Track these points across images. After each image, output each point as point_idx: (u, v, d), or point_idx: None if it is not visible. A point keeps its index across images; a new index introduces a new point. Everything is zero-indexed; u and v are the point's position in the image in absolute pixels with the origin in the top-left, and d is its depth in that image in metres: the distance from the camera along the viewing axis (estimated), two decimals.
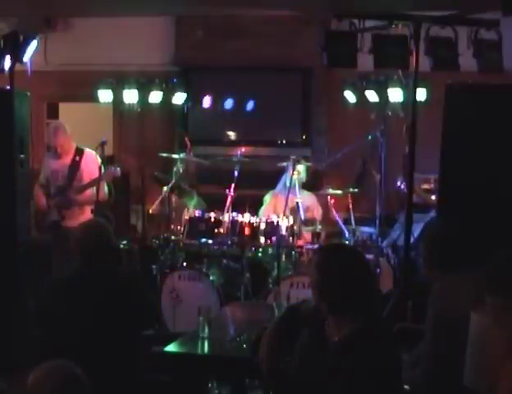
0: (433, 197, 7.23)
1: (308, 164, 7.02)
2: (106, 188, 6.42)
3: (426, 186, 7.46)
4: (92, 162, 6.43)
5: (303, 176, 6.85)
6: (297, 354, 2.91)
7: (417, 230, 5.96)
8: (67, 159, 6.49)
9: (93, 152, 6.48)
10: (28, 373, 2.42)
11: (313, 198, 6.99)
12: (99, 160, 6.40)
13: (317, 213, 6.88)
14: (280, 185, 6.90)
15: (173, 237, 6.56)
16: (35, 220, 6.45)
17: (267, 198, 7.06)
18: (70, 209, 6.41)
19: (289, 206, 6.41)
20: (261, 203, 7.03)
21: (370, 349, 2.71)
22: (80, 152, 6.50)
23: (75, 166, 6.45)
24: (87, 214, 6.38)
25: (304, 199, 6.79)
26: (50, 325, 3.92)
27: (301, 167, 6.76)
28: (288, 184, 6.46)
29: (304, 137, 8.51)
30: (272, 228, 6.27)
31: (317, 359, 2.81)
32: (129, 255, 6.85)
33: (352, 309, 2.78)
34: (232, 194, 6.56)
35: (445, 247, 3.62)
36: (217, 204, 6.73)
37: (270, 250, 6.38)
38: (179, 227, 6.63)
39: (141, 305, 4.01)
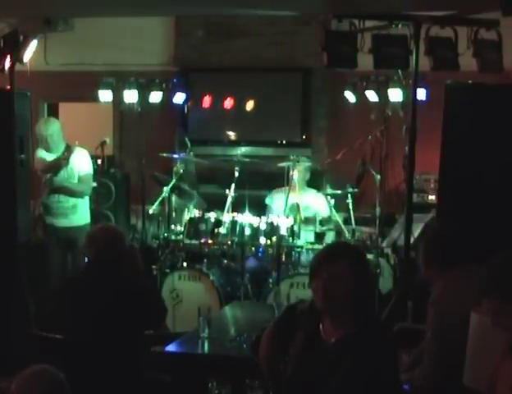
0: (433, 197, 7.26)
1: (308, 163, 7.01)
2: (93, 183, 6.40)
3: (426, 186, 7.47)
4: (81, 157, 6.37)
5: (304, 174, 6.83)
6: (292, 354, 2.90)
7: (417, 230, 5.96)
8: (57, 154, 6.35)
9: (83, 149, 6.44)
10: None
11: (318, 197, 6.95)
12: (87, 154, 6.39)
13: (324, 211, 6.83)
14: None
15: (173, 237, 6.57)
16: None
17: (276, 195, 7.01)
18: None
19: (289, 205, 6.42)
20: (261, 203, 7.02)
21: (368, 349, 2.71)
22: (69, 148, 6.32)
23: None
24: (80, 214, 6.35)
25: (309, 197, 6.79)
26: (58, 323, 3.95)
27: (302, 165, 6.75)
28: (290, 183, 6.47)
29: (304, 137, 8.49)
30: (272, 228, 6.27)
31: (312, 360, 2.80)
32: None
33: (350, 310, 2.78)
34: (232, 194, 6.56)
35: (443, 247, 3.61)
36: (217, 204, 6.73)
37: (270, 250, 6.39)
38: (179, 227, 6.63)
39: (153, 306, 4.02)
